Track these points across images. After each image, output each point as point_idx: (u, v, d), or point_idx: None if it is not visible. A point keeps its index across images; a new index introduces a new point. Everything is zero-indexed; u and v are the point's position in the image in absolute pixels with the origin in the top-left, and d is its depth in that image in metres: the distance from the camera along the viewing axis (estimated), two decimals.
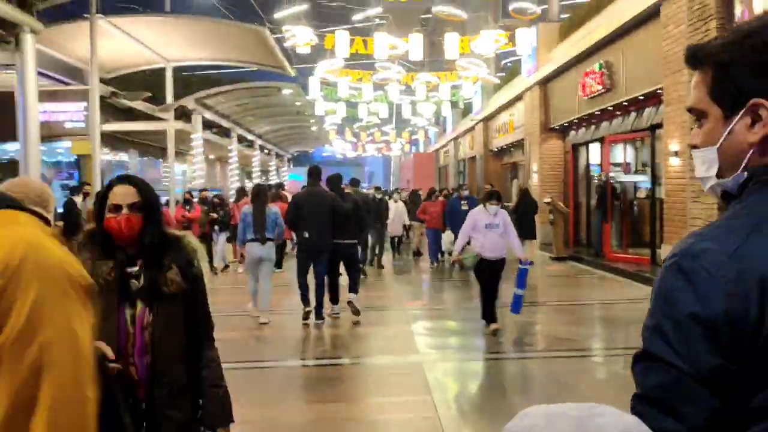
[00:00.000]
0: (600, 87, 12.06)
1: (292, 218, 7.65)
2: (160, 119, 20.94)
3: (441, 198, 12.81)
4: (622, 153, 12.86)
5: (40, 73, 17.77)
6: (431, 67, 20.77)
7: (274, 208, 7.97)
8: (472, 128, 25.43)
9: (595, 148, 14.25)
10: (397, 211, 14.43)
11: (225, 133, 29.59)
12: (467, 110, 28.62)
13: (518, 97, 18.20)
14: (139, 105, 20.46)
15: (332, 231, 7.57)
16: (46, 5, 12.13)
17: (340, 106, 24.91)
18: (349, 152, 50.17)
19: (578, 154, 15.26)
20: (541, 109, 15.99)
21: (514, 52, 17.03)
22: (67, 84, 20.04)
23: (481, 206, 6.99)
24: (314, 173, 7.99)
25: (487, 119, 22.98)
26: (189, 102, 22.69)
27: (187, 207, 11.29)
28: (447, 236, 11.53)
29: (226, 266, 12.49)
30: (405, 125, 36.17)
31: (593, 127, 13.60)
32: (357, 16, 12.30)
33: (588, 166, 14.73)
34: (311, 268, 7.63)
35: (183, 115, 23.08)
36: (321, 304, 7.56)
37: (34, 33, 12.05)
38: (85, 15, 14.57)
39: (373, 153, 53.23)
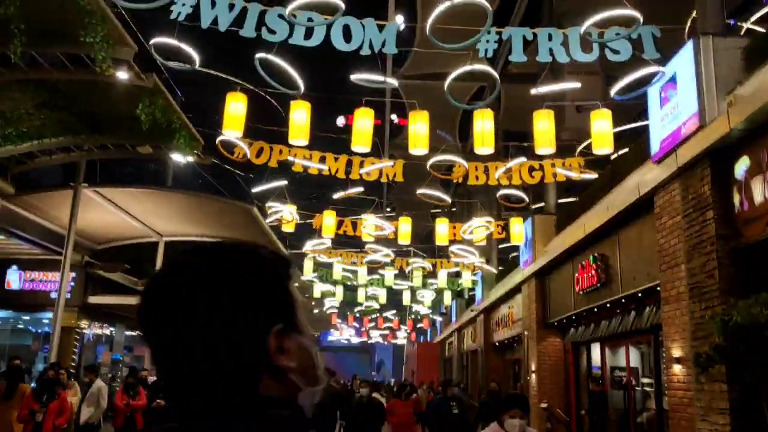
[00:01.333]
0: (595, 282, 11.07)
1: None
2: None
3: (414, 396, 11.13)
4: (624, 356, 11.48)
5: (30, 241, 17.49)
6: (424, 251, 20.17)
7: None
8: (474, 319, 24.20)
9: (595, 349, 12.90)
10: None
11: None
12: (471, 300, 27.62)
13: (516, 289, 17.22)
14: (119, 278, 19.84)
15: None
16: (21, 169, 11.99)
17: (338, 289, 24.10)
18: (355, 338, 48.58)
19: (578, 354, 13.87)
20: (539, 302, 14.91)
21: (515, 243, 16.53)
22: (59, 253, 19.55)
23: (495, 426, 4.38)
24: None
25: (488, 310, 21.84)
26: None
27: (131, 392, 9.63)
28: None
29: None
30: (407, 312, 35.01)
31: (593, 325, 12.38)
32: (337, 195, 11.80)
33: (590, 368, 13.26)
34: None
35: None
36: None
37: (1, 196, 11.76)
38: (71, 183, 14.50)
39: (379, 340, 51.49)
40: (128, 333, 25.51)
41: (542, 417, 12.59)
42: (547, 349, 14.55)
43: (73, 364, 22.07)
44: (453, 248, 15.27)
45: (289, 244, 19.82)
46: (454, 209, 24.95)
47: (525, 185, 11.42)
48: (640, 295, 9.82)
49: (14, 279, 21.04)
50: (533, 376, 14.66)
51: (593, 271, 11.12)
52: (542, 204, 15.93)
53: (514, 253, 20.38)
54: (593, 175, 10.57)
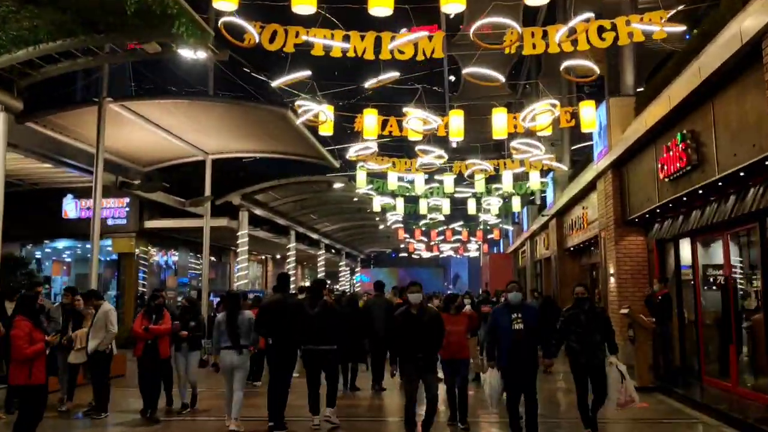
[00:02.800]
0: (684, 164, 9.19)
1: (258, 325, 7.73)
2: (199, 216, 19.59)
3: (467, 308, 9.59)
4: (720, 251, 9.70)
5: (75, 167, 16.95)
6: (481, 152, 18.37)
7: (248, 314, 7.86)
8: (546, 225, 22.51)
9: (685, 245, 11.12)
10: None
11: (283, 231, 28.14)
12: (544, 205, 25.79)
13: (590, 187, 15.38)
14: (170, 201, 19.23)
15: (298, 337, 7.74)
16: (29, 82, 11.03)
17: (398, 202, 22.78)
18: (425, 253, 47.77)
19: (664, 253, 12.11)
20: (616, 198, 13.10)
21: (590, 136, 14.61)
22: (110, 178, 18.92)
23: None
24: (282, 280, 8.21)
25: (561, 214, 20.09)
26: (234, 198, 21.38)
27: (153, 316, 8.70)
28: (489, 376, 6.83)
29: (186, 406, 8.88)
30: (475, 223, 33.50)
31: (681, 217, 10.56)
32: (369, 83, 10.23)
33: (678, 268, 11.53)
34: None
35: (229, 212, 21.74)
36: (280, 416, 7.51)
37: (9, 112, 10.89)
38: (95, 99, 13.52)
39: (451, 253, 50.52)
40: (192, 257, 25.49)
41: (623, 324, 11.09)
42: (628, 249, 12.86)
43: (142, 289, 22.18)
44: (514, 143, 13.49)
45: (335, 154, 18.50)
46: (512, 101, 22.75)
47: (596, 54, 9.49)
48: (742, 174, 7.96)
49: (71, 208, 20.88)
50: (612, 280, 13.07)
51: (681, 152, 9.22)
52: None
53: (588, 147, 18.36)
54: (679, 28, 8.48)
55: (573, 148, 21.16)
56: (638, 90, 13.04)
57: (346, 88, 16.61)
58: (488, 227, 32.00)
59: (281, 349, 7.62)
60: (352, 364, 10.74)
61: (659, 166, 10.31)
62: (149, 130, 15.62)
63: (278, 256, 33.67)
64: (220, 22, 8.20)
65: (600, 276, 16.91)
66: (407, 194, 20.86)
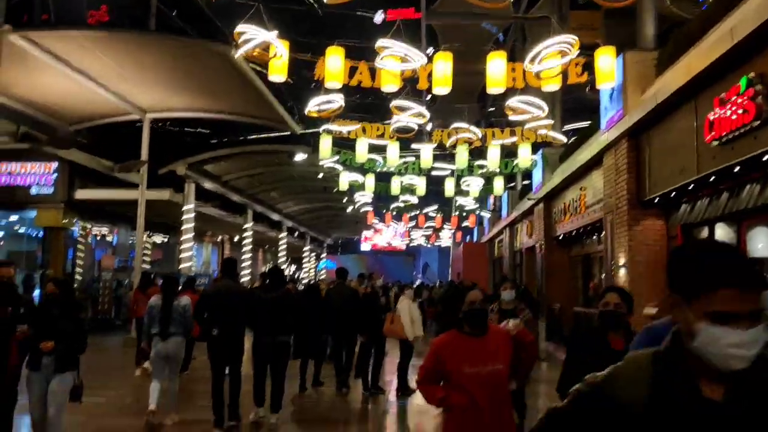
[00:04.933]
0: (749, 118, 6.87)
1: (196, 312, 7.31)
2: (136, 186, 16.80)
3: (512, 324, 7.25)
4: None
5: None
6: (468, 117, 15.92)
7: (185, 300, 7.57)
8: (531, 210, 20.27)
9: (723, 232, 8.87)
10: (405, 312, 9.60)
11: (239, 209, 25.42)
12: (526, 191, 23.58)
13: (594, 163, 13.10)
14: (99, 166, 16.41)
15: (244, 328, 7.32)
16: None
17: (369, 180, 20.20)
18: (396, 241, 45.45)
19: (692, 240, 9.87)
20: (632, 173, 10.81)
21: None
22: (30, 139, 16.00)
23: None
24: (228, 265, 7.69)
25: (549, 198, 17.84)
26: (180, 167, 18.63)
27: None
28: None
29: None
30: (451, 208, 31.19)
31: (725, 194, 8.29)
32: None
33: None
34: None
35: (174, 183, 19.00)
36: (234, 407, 7.11)
37: None
38: None
39: (422, 242, 48.28)
40: (133, 236, 22.62)
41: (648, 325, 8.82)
42: (644, 236, 10.60)
43: (79, 270, 19.34)
44: (512, 101, 11.05)
45: (291, 109, 15.88)
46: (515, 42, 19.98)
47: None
48: None
49: None
50: (623, 272, 10.80)
51: (746, 102, 6.90)
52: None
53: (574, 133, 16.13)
54: None
55: (566, 128, 18.95)
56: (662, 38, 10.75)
57: (299, 9, 13.96)
58: (464, 213, 29.67)
59: (228, 340, 7.07)
60: (314, 360, 9.96)
61: (704, 126, 7.99)
62: (72, 77, 12.89)
63: (236, 238, 30.91)
64: None
65: (598, 268, 14.72)
66: (378, 170, 18.32)
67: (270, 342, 7.27)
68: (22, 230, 20.15)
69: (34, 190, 17.86)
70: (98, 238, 21.01)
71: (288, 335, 7.57)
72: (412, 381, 9.50)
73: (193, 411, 8.06)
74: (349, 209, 30.73)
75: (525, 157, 15.32)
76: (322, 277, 38.77)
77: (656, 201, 10.28)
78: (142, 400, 8.54)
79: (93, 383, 9.04)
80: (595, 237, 14.65)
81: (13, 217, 19.75)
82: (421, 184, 19.90)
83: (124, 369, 11.74)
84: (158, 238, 24.45)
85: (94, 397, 8.21)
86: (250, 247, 26.34)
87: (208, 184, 20.42)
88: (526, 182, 25.74)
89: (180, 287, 9.45)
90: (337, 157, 17.06)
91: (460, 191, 21.36)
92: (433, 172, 18.74)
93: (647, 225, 10.65)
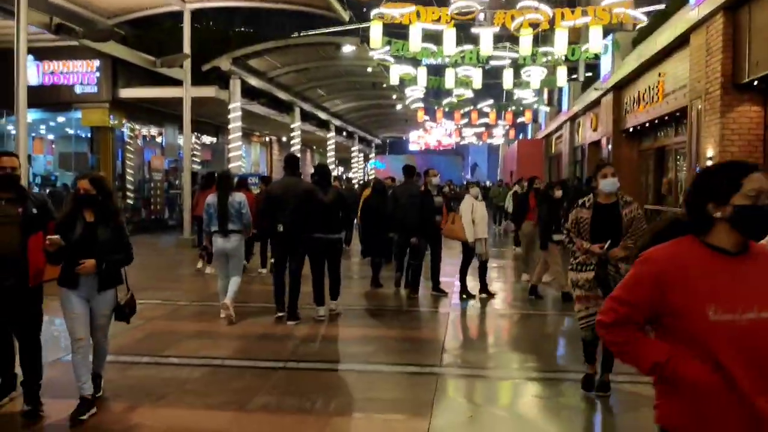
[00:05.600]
0: None
1: (263, 209, 7.32)
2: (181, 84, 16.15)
3: None
4: None
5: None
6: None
7: (239, 197, 7.41)
8: (596, 102, 18.87)
9: None
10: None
11: (286, 108, 24.66)
12: (589, 83, 21.99)
13: (678, 44, 11.69)
14: (144, 62, 15.68)
15: (308, 224, 7.12)
16: None
17: (421, 72, 18.97)
18: (446, 138, 44.22)
19: None
20: (727, 53, 9.51)
21: None
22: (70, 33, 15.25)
23: None
24: (290, 162, 7.50)
25: (620, 87, 16.41)
26: (224, 63, 17.82)
27: None
28: None
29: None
30: (507, 102, 29.67)
31: None
32: None
33: None
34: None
35: (219, 80, 18.27)
36: (293, 306, 7.08)
37: None
38: None
39: (473, 141, 46.88)
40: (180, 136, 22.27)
41: None
42: (738, 124, 9.46)
43: (129, 171, 19.22)
44: None
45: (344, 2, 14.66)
46: None
47: None
48: None
49: (31, 73, 17.47)
50: (709, 164, 9.76)
51: None
52: None
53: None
54: None
55: (641, 10, 17.13)
56: None
57: None
58: (521, 108, 28.18)
59: (293, 236, 7.06)
60: (376, 260, 9.90)
61: None
62: None
63: (284, 138, 30.31)
64: None
65: (673, 162, 13.60)
66: (432, 62, 17.10)
67: (326, 240, 7.26)
68: (70, 132, 19.95)
69: (78, 89, 17.41)
70: (147, 139, 20.69)
71: (340, 233, 7.62)
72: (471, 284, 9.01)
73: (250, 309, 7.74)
74: (399, 106, 29.59)
75: (596, 41, 13.88)
76: (371, 176, 38.29)
77: (755, 84, 9.05)
78: (196, 301, 8.32)
79: (148, 284, 8.85)
80: (672, 127, 13.42)
81: (61, 119, 19.50)
82: (477, 76, 18.65)
83: (179, 268, 11.56)
84: (207, 139, 24.07)
85: (150, 300, 7.98)
86: (298, 147, 25.72)
87: (253, 81, 19.61)
88: (589, 74, 24.03)
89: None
90: (387, 48, 15.91)
91: (519, 83, 20.01)
92: (492, 62, 17.43)
93: (742, 112, 9.47)
